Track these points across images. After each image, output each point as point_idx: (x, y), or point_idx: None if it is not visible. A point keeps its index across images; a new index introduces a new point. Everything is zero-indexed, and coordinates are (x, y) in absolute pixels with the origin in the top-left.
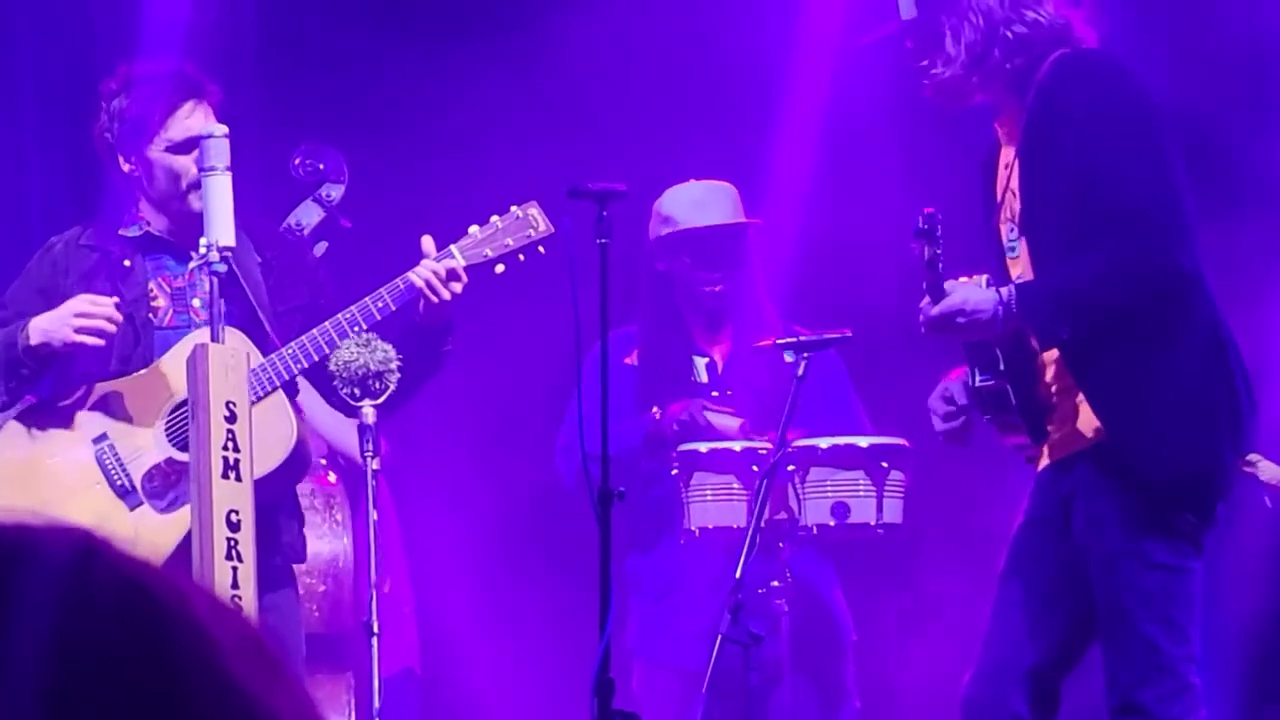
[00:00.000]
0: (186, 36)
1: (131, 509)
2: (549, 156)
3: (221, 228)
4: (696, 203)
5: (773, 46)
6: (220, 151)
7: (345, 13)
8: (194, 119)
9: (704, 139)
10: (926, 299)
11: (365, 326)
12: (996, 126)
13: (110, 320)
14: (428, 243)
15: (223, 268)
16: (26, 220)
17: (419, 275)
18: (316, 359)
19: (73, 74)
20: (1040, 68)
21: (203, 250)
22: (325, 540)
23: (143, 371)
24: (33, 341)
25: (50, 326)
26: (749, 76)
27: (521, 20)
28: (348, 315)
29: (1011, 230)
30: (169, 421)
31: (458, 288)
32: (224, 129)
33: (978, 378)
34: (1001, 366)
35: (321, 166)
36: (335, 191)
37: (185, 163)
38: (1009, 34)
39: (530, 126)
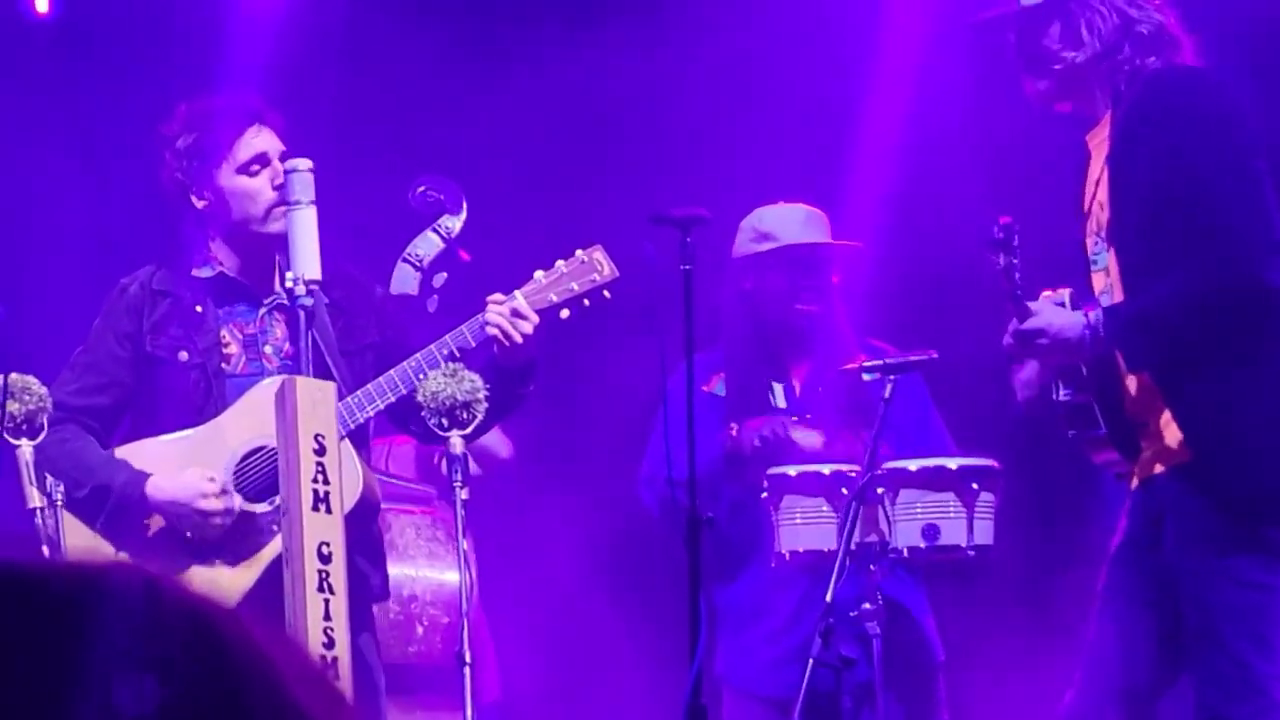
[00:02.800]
0: (266, 74)
1: (201, 564)
2: (630, 185)
3: (307, 261)
4: (800, 221)
5: (851, 67)
6: (305, 185)
7: (428, 52)
8: (259, 140)
9: (781, 162)
10: (1015, 320)
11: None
12: (1086, 140)
13: (227, 514)
14: (497, 298)
15: (309, 301)
16: (108, 257)
17: (488, 319)
18: (383, 406)
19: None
20: (1136, 78)
21: (289, 284)
22: (451, 572)
23: (210, 423)
24: (146, 502)
25: (166, 503)
26: (827, 98)
27: (601, 53)
28: (414, 362)
29: (1097, 243)
30: (237, 472)
31: (527, 328)
32: (308, 163)
33: (1061, 391)
34: (1085, 383)
35: (441, 198)
36: (454, 223)
37: (257, 184)
38: (1142, 31)
39: (610, 153)
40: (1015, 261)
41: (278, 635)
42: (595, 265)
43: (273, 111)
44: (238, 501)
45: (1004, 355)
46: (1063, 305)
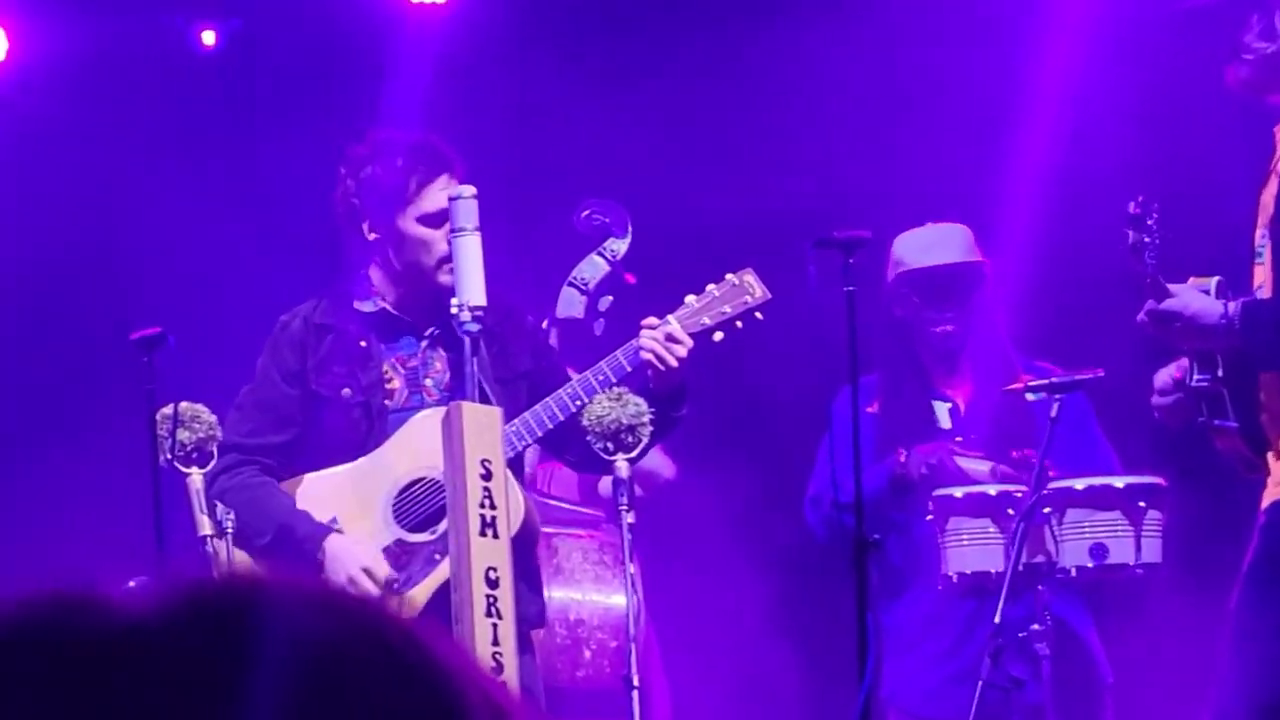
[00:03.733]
0: (430, 101)
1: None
2: (793, 208)
3: (472, 288)
4: (924, 243)
5: (1009, 79)
6: (469, 212)
7: (590, 77)
8: (447, 193)
9: (941, 182)
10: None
11: (587, 401)
12: (1275, 131)
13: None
14: (651, 321)
15: (475, 327)
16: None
17: (642, 344)
18: (540, 435)
19: (316, 144)
20: None
21: (455, 309)
22: (618, 596)
23: (371, 455)
24: (320, 556)
25: (329, 563)
26: (986, 115)
27: (762, 78)
28: (571, 389)
29: (1263, 236)
30: (397, 504)
31: (681, 351)
32: (472, 190)
33: (1195, 376)
34: (1220, 372)
35: (606, 221)
36: (619, 246)
37: (437, 236)
38: None
39: (773, 176)
40: (1148, 240)
41: (456, 651)
42: (747, 288)
43: (460, 162)
44: (375, 590)
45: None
46: (1207, 292)
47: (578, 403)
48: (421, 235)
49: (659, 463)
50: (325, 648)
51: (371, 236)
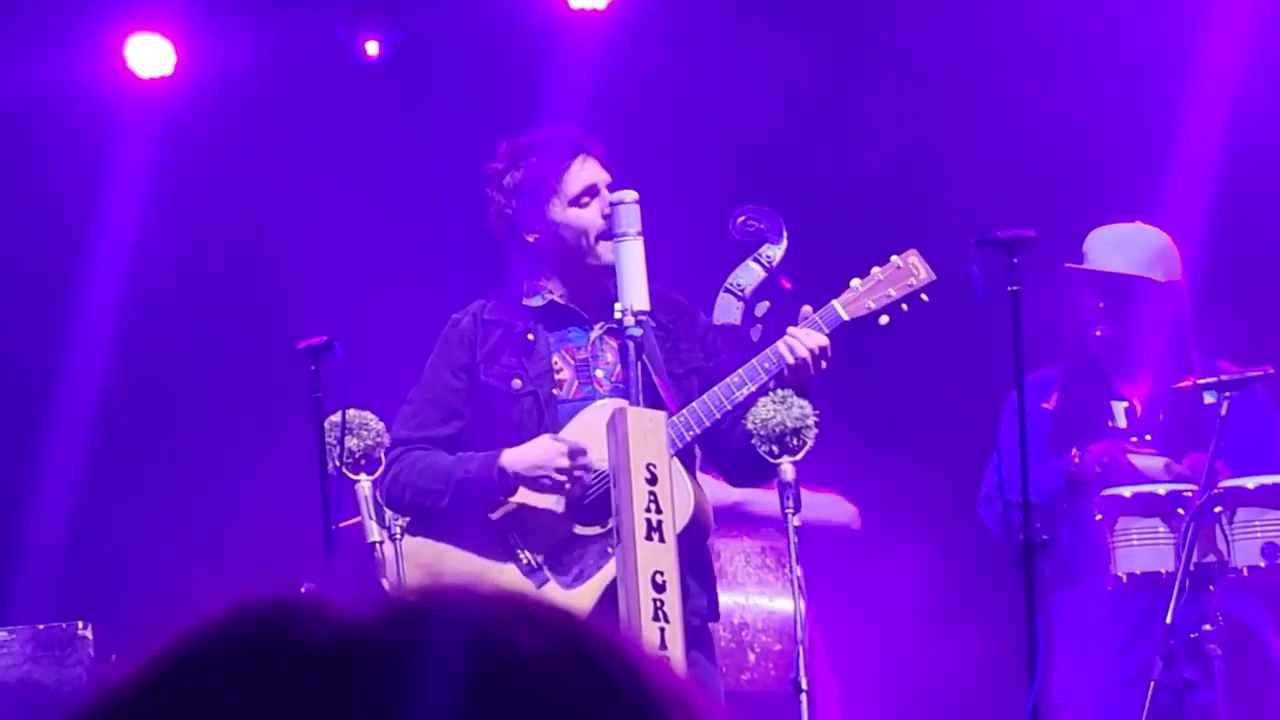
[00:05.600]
0: (590, 108)
1: (538, 586)
2: (955, 208)
3: (636, 292)
4: (1110, 244)
5: (1175, 74)
6: (631, 217)
7: (746, 81)
8: (586, 171)
9: (1111, 179)
10: None
11: (753, 388)
12: None
13: (585, 470)
14: (807, 310)
15: (638, 331)
16: (439, 292)
17: (786, 344)
18: (709, 424)
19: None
20: None
21: (618, 314)
22: (781, 599)
23: None
24: (508, 476)
25: (528, 472)
26: (1154, 112)
27: (923, 77)
28: (737, 378)
29: None
30: (570, 496)
31: (823, 361)
32: (634, 194)
33: None
34: None
35: (761, 227)
36: (775, 252)
37: (589, 215)
38: None
39: (934, 177)
40: None
41: (646, 656)
42: (911, 270)
43: (594, 141)
44: (594, 458)
45: None
46: None
47: (744, 389)
48: (574, 219)
49: (846, 515)
50: (530, 661)
51: (532, 239)
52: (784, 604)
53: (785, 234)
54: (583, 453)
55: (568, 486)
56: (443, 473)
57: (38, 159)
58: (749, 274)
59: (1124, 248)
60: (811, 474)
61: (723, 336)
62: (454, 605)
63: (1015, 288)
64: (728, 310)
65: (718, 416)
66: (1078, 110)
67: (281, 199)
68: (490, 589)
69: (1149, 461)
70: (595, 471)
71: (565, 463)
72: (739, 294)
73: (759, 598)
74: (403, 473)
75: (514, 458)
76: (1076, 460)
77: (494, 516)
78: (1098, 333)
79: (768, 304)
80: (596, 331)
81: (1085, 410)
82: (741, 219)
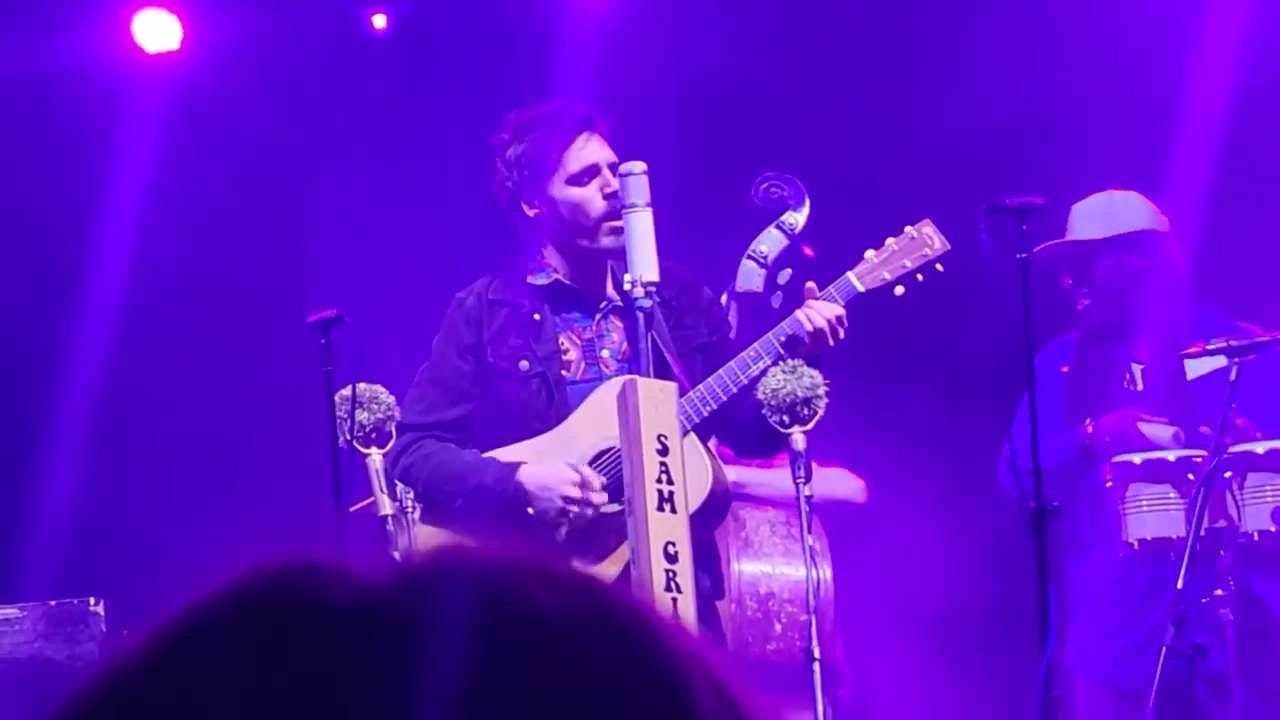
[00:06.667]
0: (602, 78)
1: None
2: (963, 175)
3: (645, 263)
4: (1077, 215)
5: (1180, 40)
6: (640, 188)
7: (764, 47)
8: (589, 150)
9: (1114, 146)
10: None
11: (769, 362)
12: None
13: (586, 506)
14: (812, 286)
15: (648, 303)
16: (447, 265)
17: (805, 315)
18: (725, 399)
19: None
20: None
21: (627, 286)
22: (804, 569)
23: (556, 429)
24: (521, 492)
25: (538, 492)
26: (1156, 77)
27: (930, 45)
28: (753, 352)
29: None
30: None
31: (840, 332)
32: (642, 165)
33: None
34: None
35: (784, 193)
36: (797, 219)
37: (588, 194)
38: None
39: (940, 144)
40: None
41: (679, 629)
42: (926, 240)
43: (602, 118)
44: (600, 500)
45: None
46: None
47: (759, 364)
48: (574, 197)
49: (852, 489)
50: (549, 621)
51: (533, 213)
52: (819, 574)
53: (808, 201)
54: (593, 489)
55: (571, 515)
56: (456, 475)
57: (44, 135)
58: (771, 241)
59: (1079, 218)
60: (818, 448)
61: (742, 303)
62: (471, 567)
63: (1024, 255)
64: (750, 277)
65: (734, 391)
66: (1089, 75)
67: (290, 173)
68: (507, 551)
69: (1159, 430)
70: (599, 510)
71: (574, 493)
72: (761, 261)
73: (785, 567)
74: (414, 465)
75: (528, 474)
76: (1090, 430)
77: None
78: (1081, 306)
79: (790, 271)
80: (601, 312)
81: (1101, 374)
82: (764, 185)
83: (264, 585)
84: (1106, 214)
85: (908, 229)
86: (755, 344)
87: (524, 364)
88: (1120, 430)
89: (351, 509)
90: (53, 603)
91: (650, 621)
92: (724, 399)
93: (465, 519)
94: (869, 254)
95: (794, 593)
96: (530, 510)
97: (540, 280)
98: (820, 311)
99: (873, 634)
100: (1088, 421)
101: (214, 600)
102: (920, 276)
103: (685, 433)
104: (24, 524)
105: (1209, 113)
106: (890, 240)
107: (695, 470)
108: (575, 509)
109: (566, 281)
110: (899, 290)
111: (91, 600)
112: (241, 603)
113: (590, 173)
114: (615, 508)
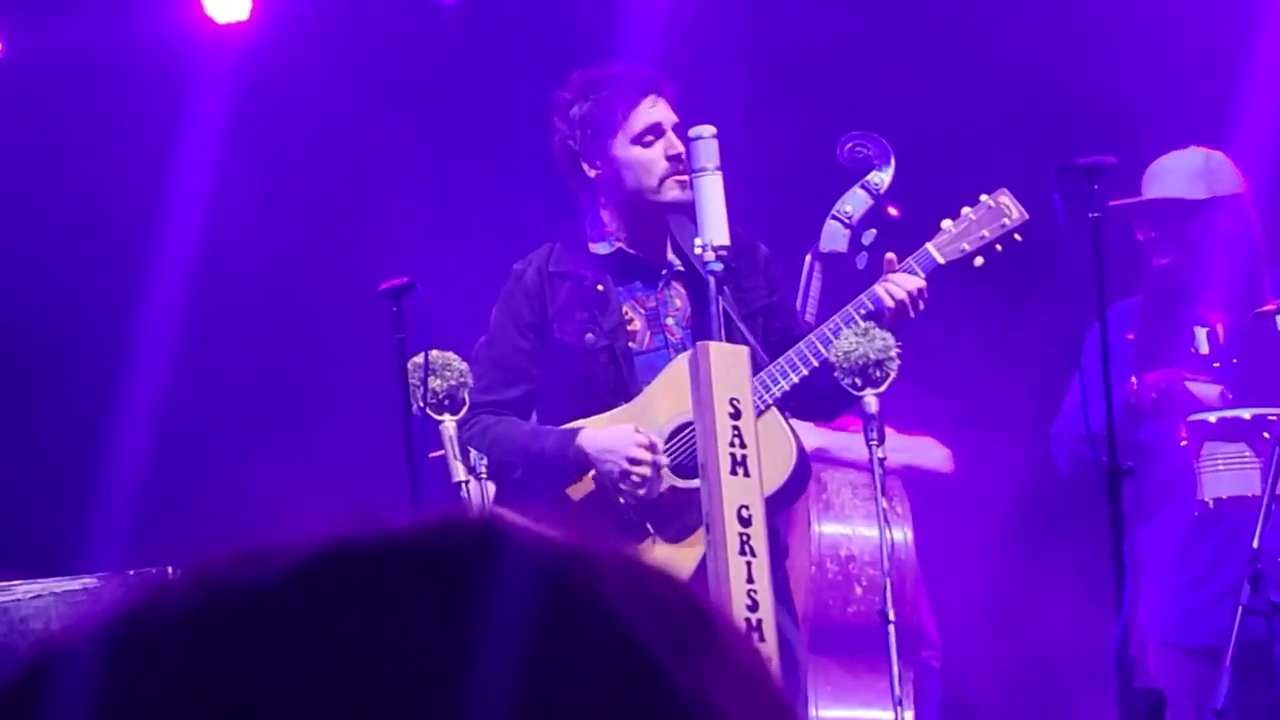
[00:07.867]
0: (676, 38)
1: (639, 543)
2: (1036, 134)
3: (715, 228)
4: (1151, 174)
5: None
6: (709, 152)
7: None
8: (655, 111)
9: (1187, 106)
10: None
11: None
12: None
13: (653, 468)
14: (892, 259)
15: (719, 267)
16: (515, 233)
17: (885, 289)
18: (806, 373)
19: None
20: None
21: (698, 250)
22: (887, 530)
23: (632, 402)
24: (582, 455)
25: (599, 455)
26: (1233, 37)
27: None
28: (830, 326)
29: None
30: (666, 450)
31: (921, 304)
32: (712, 129)
33: None
34: None
35: (869, 153)
36: (882, 179)
37: (652, 154)
38: None
39: (1015, 104)
40: None
41: (726, 621)
42: (1003, 210)
43: (667, 81)
44: (664, 461)
45: None
46: None
47: (819, 355)
48: (637, 157)
49: (939, 459)
50: (593, 598)
51: (593, 174)
52: (891, 536)
53: (893, 160)
54: (656, 450)
55: (633, 478)
56: (518, 445)
57: (115, 107)
58: (856, 201)
59: (1161, 174)
60: (902, 417)
61: (827, 264)
62: (519, 536)
63: (1096, 214)
64: (834, 238)
65: (815, 365)
66: (1156, 37)
67: (360, 142)
68: (553, 531)
69: (1206, 389)
70: (661, 469)
71: (640, 454)
72: (845, 221)
73: (865, 529)
74: (472, 440)
75: (589, 437)
76: (1134, 387)
77: (572, 493)
78: (1158, 263)
79: (874, 232)
80: (663, 280)
81: (1166, 338)
82: (850, 145)
83: (317, 535)
84: (1205, 173)
85: (984, 198)
86: (834, 317)
87: (590, 337)
88: (1166, 387)
89: (430, 455)
90: (131, 573)
91: (705, 613)
92: (805, 373)
93: (532, 491)
94: (946, 224)
95: (874, 555)
96: (593, 476)
97: (603, 249)
98: (901, 284)
99: (951, 597)
100: (1132, 379)
101: (280, 551)
102: (999, 247)
103: (766, 407)
104: (98, 493)
105: (1277, 72)
106: (967, 210)
107: (780, 446)
108: (640, 470)
109: (629, 249)
110: (979, 261)
111: (170, 570)
112: (297, 546)
113: (654, 131)
114: (696, 483)
